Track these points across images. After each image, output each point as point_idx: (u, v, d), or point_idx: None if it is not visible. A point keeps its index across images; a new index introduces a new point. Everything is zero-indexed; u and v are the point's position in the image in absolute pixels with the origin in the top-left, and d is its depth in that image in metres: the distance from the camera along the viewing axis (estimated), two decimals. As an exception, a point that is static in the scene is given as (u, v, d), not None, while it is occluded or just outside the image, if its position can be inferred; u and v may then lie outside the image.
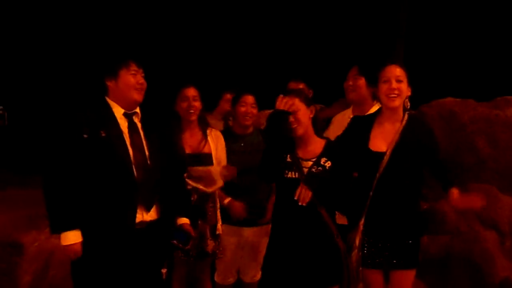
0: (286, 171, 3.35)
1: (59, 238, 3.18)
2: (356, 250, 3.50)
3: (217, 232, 4.09)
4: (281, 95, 3.29)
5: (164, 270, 3.53)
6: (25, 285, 4.68)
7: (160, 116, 3.81)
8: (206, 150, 4.08)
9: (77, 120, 3.20)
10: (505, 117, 5.42)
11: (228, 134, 4.36)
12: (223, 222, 4.16)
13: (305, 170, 3.33)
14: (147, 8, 12.64)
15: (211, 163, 4.06)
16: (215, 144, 4.14)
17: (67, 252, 3.17)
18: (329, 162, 3.34)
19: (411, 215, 3.46)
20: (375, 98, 4.00)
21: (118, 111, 3.30)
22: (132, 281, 3.25)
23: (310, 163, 3.35)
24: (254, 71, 11.97)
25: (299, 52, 12.69)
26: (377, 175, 3.40)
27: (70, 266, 3.28)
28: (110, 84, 3.32)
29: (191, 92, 4.07)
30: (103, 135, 3.16)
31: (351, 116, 4.11)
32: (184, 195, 3.71)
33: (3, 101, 12.74)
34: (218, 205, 4.12)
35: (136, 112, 3.36)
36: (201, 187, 3.99)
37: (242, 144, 4.29)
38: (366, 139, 3.49)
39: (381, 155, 3.42)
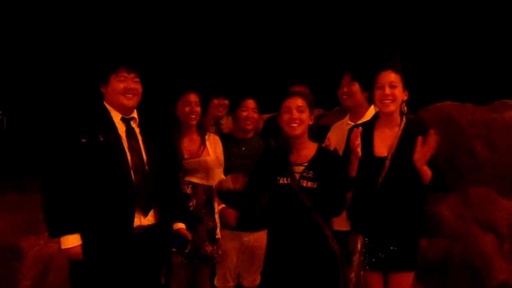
0: (278, 177, 3.37)
1: (59, 242, 3.18)
2: (357, 255, 3.53)
3: (217, 237, 4.09)
4: None
5: (162, 278, 3.52)
6: (24, 290, 4.68)
7: (159, 121, 3.82)
8: (204, 154, 4.09)
9: (75, 124, 3.22)
10: (503, 121, 5.43)
11: (229, 138, 4.38)
12: (223, 227, 4.16)
13: (297, 175, 3.36)
14: (145, 13, 12.64)
15: (208, 168, 4.07)
16: (214, 149, 4.15)
17: (68, 256, 3.18)
18: (321, 166, 3.37)
19: (412, 218, 3.48)
20: (371, 102, 4.02)
21: (116, 116, 3.32)
22: (131, 286, 3.25)
23: (302, 168, 3.38)
24: (253, 75, 11.98)
25: (299, 56, 12.70)
26: (379, 179, 3.43)
27: (69, 270, 3.28)
28: (103, 90, 3.37)
29: (194, 97, 4.08)
30: (101, 139, 3.18)
31: (349, 123, 4.13)
32: (181, 199, 3.72)
33: (1, 106, 12.73)
34: (216, 209, 4.13)
35: (133, 117, 3.38)
36: (198, 181, 4.00)
37: (243, 148, 4.30)
38: (370, 145, 3.52)
39: (382, 160, 3.45)
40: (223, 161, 4.20)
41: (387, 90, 3.45)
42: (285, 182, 3.35)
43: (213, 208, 4.10)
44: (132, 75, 3.35)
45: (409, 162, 3.40)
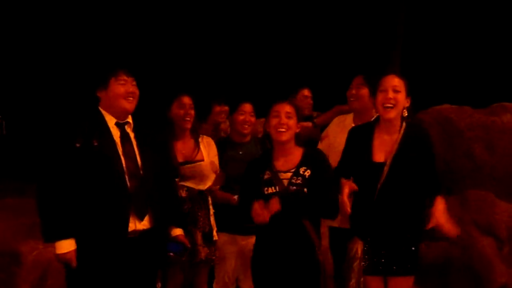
0: (266, 188, 3.35)
1: (54, 247, 3.18)
2: (358, 261, 3.53)
3: (214, 239, 4.09)
4: None
5: (159, 284, 3.51)
6: (23, 294, 4.68)
7: (153, 125, 3.82)
8: (198, 157, 4.10)
9: (69, 129, 3.22)
10: (501, 124, 5.44)
11: (226, 142, 4.38)
12: (221, 230, 4.16)
13: (285, 181, 3.35)
14: (139, 17, 12.64)
15: (204, 171, 4.08)
16: (207, 151, 4.16)
17: (62, 260, 3.17)
18: (308, 171, 3.36)
19: (412, 223, 3.48)
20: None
21: (111, 120, 3.32)
22: None
23: (289, 174, 3.37)
24: (251, 79, 11.99)
25: (297, 60, 12.71)
26: (378, 185, 3.43)
27: (65, 274, 3.28)
28: (101, 94, 3.35)
29: (188, 100, 4.09)
30: (96, 144, 3.17)
31: (351, 123, 4.13)
32: (177, 204, 3.72)
33: (1, 110, 12.73)
34: (212, 211, 4.13)
35: (128, 122, 3.38)
36: (193, 185, 4.01)
37: (241, 152, 4.30)
38: (369, 150, 3.51)
39: (381, 165, 3.44)
40: (218, 164, 4.20)
41: (390, 94, 3.42)
42: (273, 191, 3.33)
43: (208, 211, 4.10)
44: (130, 78, 3.36)
45: (408, 168, 3.41)
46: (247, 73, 12.40)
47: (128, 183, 3.22)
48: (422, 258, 3.70)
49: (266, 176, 3.38)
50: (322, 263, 3.37)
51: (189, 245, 3.60)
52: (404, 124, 3.50)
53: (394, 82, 3.46)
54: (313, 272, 3.35)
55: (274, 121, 3.37)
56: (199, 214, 4.03)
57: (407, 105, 3.50)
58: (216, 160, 4.20)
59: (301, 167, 3.38)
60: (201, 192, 4.07)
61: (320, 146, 4.32)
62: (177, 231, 3.57)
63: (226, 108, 4.87)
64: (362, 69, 4.51)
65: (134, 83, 3.38)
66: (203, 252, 4.00)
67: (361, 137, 3.57)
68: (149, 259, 3.36)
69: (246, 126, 4.28)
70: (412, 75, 3.65)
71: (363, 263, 3.53)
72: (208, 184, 4.10)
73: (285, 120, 3.36)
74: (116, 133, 3.30)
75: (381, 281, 3.54)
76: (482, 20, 12.08)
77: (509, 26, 11.61)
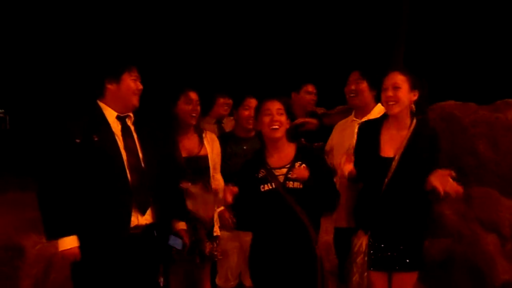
0: (261, 186, 3.35)
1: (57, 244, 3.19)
2: (362, 255, 3.54)
3: (215, 234, 4.09)
4: None
5: (161, 279, 3.51)
6: (26, 288, 4.69)
7: (155, 118, 3.82)
8: (202, 153, 4.09)
9: (69, 125, 3.21)
10: (506, 120, 5.41)
11: (230, 137, 4.37)
12: (222, 227, 4.16)
13: (281, 178, 3.36)
14: (143, 12, 12.63)
15: (207, 166, 4.07)
16: (211, 147, 4.15)
17: (66, 257, 3.18)
18: (303, 165, 3.37)
19: (417, 219, 3.49)
20: (379, 100, 4.02)
21: (111, 115, 3.30)
22: (130, 285, 3.25)
23: (284, 170, 3.37)
24: (255, 74, 11.98)
25: (301, 55, 12.69)
26: (386, 180, 3.44)
27: (70, 270, 3.29)
28: (110, 86, 3.31)
29: (195, 95, 4.08)
30: (96, 139, 3.16)
31: (354, 119, 4.13)
32: (180, 197, 3.71)
33: (4, 105, 12.75)
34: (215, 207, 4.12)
35: (129, 115, 3.36)
36: (200, 213, 3.98)
37: (245, 147, 4.30)
38: (378, 145, 3.52)
39: (389, 160, 3.46)
40: (220, 160, 4.19)
41: (390, 92, 3.45)
42: (270, 187, 3.34)
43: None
44: (139, 75, 3.37)
45: (416, 165, 3.42)
46: (252, 69, 12.39)
47: (130, 177, 3.21)
48: (425, 255, 3.69)
49: (261, 174, 3.38)
50: (319, 258, 3.38)
51: (187, 241, 3.61)
52: (414, 120, 3.51)
53: (394, 79, 3.48)
54: (311, 267, 3.36)
55: (266, 119, 3.39)
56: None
57: (414, 98, 3.50)
58: (218, 157, 4.20)
59: (296, 161, 3.39)
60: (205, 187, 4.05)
61: (328, 147, 4.33)
62: (180, 225, 3.58)
63: (230, 101, 4.87)
64: (365, 65, 4.49)
65: (140, 79, 3.39)
66: (207, 247, 4.00)
67: (370, 132, 3.59)
68: (151, 254, 3.36)
69: (251, 121, 4.26)
70: (416, 71, 3.64)
71: (367, 258, 3.54)
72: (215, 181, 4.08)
73: (278, 117, 3.38)
74: (117, 127, 3.29)
75: (384, 276, 3.55)
76: (487, 16, 12.04)
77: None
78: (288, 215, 3.31)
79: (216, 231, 4.09)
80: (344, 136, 4.13)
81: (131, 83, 3.31)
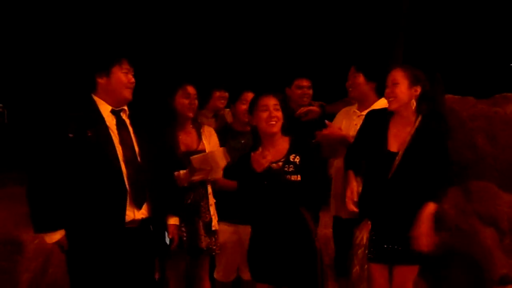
0: (260, 180, 3.37)
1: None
2: (363, 248, 3.56)
3: (213, 229, 4.09)
4: None
5: (157, 274, 3.51)
6: (24, 283, 4.69)
7: (150, 112, 3.81)
8: (200, 147, 4.08)
9: (62, 119, 3.18)
10: (504, 114, 5.43)
11: (227, 131, 4.37)
12: (222, 220, 4.16)
13: (278, 171, 3.38)
14: (139, 6, 12.59)
15: None
16: (208, 141, 4.14)
17: (55, 247, 3.21)
18: (298, 157, 3.41)
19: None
20: (381, 93, 4.03)
21: (105, 109, 3.27)
22: (126, 280, 3.24)
23: (280, 163, 3.41)
24: (252, 68, 11.96)
25: (299, 49, 12.67)
26: (389, 174, 3.46)
27: (66, 264, 3.29)
28: (101, 80, 3.28)
29: (192, 89, 4.06)
30: (89, 134, 3.13)
31: (355, 111, 4.14)
32: (175, 192, 3.70)
33: (2, 99, 12.73)
34: (212, 201, 4.12)
35: (123, 109, 3.34)
36: (208, 177, 3.95)
37: (242, 141, 4.30)
38: (384, 138, 3.54)
39: (393, 155, 3.48)
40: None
41: (388, 89, 3.49)
42: (268, 181, 3.36)
43: (209, 201, 4.09)
44: (131, 68, 3.34)
45: (420, 161, 3.44)
46: (249, 63, 12.36)
47: (125, 172, 3.19)
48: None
49: (256, 169, 3.38)
50: (319, 251, 3.41)
51: (176, 237, 3.62)
52: (420, 117, 3.52)
53: (393, 75, 3.50)
54: (311, 260, 3.38)
55: (263, 115, 3.42)
56: (202, 204, 4.03)
57: (415, 94, 3.50)
58: None
59: (291, 154, 3.43)
60: (203, 181, 4.04)
61: None
62: (171, 220, 3.58)
63: (226, 94, 4.86)
64: (367, 57, 4.49)
65: (133, 73, 3.37)
66: (204, 241, 4.00)
67: (377, 123, 3.61)
68: (147, 249, 3.35)
69: (248, 114, 4.27)
70: (414, 65, 3.64)
71: (368, 251, 3.56)
72: (220, 172, 4.07)
73: (275, 113, 3.41)
74: (111, 121, 3.26)
75: (385, 269, 3.57)
76: (486, 11, 12.03)
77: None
78: (287, 208, 3.33)
79: (215, 225, 4.09)
80: (344, 126, 4.14)
81: (121, 76, 3.27)
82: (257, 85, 4.36)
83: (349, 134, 3.94)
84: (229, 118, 4.85)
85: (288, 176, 3.36)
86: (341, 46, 12.14)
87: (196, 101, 4.06)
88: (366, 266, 3.61)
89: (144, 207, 3.28)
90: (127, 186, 3.18)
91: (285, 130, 3.53)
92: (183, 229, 3.85)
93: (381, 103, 3.96)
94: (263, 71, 11.51)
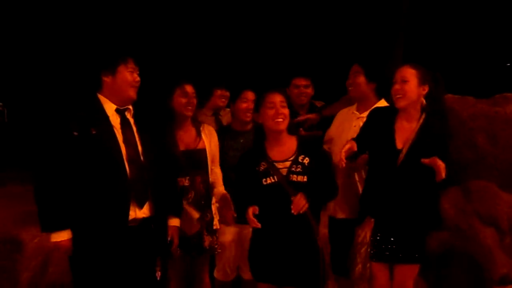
0: (264, 179, 3.36)
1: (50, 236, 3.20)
2: (366, 246, 3.58)
3: (214, 227, 4.09)
4: None
5: (158, 273, 3.51)
6: (24, 281, 4.69)
7: (154, 112, 3.81)
8: (200, 146, 4.08)
9: (66, 118, 3.20)
10: (504, 114, 5.41)
11: (227, 131, 4.37)
12: (224, 222, 4.16)
13: (283, 171, 3.36)
14: (141, 6, 12.59)
15: (205, 158, 4.07)
16: (209, 140, 4.14)
17: (57, 248, 3.19)
18: (307, 158, 3.39)
19: (422, 211, 3.52)
20: (381, 94, 4.04)
21: (110, 108, 3.29)
22: (128, 278, 3.25)
23: (288, 163, 3.38)
24: (253, 67, 11.95)
25: (298, 48, 12.67)
26: (393, 171, 3.49)
27: (69, 262, 3.30)
28: (106, 79, 3.30)
29: (190, 88, 4.06)
30: (94, 132, 3.16)
31: (354, 112, 4.14)
32: (176, 192, 3.71)
33: (2, 97, 12.72)
34: (214, 200, 4.12)
35: (128, 108, 3.36)
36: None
37: (242, 141, 4.30)
38: (390, 135, 3.56)
39: (397, 151, 3.50)
40: (218, 153, 4.18)
41: (397, 85, 3.50)
42: (272, 181, 3.35)
43: (210, 199, 4.09)
44: (137, 67, 3.36)
45: (424, 157, 3.43)
46: (250, 62, 12.36)
47: (128, 170, 3.21)
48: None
49: (262, 168, 3.39)
50: (321, 250, 3.41)
51: (176, 239, 3.61)
52: (424, 115, 3.54)
53: (403, 72, 3.52)
54: (313, 260, 3.38)
55: (270, 112, 3.40)
56: (203, 202, 4.03)
57: (423, 93, 3.52)
58: (217, 149, 4.19)
59: (300, 155, 3.41)
60: (204, 180, 4.05)
61: (326, 137, 4.34)
62: (172, 222, 3.58)
63: (227, 93, 4.86)
64: (358, 58, 4.49)
65: (138, 72, 3.38)
66: (207, 240, 4.00)
67: (383, 120, 3.62)
68: (149, 247, 3.36)
69: (249, 114, 4.27)
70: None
71: (370, 249, 3.57)
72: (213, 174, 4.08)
73: (282, 110, 3.39)
74: (116, 120, 3.28)
75: (387, 267, 3.59)
76: (486, 11, 12.03)
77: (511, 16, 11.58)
78: (291, 208, 3.30)
79: (216, 224, 4.09)
80: (343, 128, 4.14)
81: (127, 75, 3.30)
82: (257, 84, 4.36)
83: (350, 136, 3.92)
84: (225, 118, 4.85)
85: (294, 177, 3.34)
86: (341, 45, 12.13)
87: (195, 100, 4.06)
88: (368, 265, 3.62)
89: (146, 206, 3.29)
90: (129, 184, 3.19)
91: (291, 128, 3.52)
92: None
93: (381, 105, 3.97)
94: (264, 71, 11.51)
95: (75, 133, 3.13)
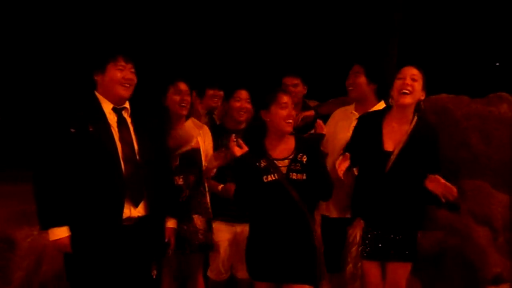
0: (265, 176, 3.37)
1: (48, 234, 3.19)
2: (356, 246, 3.58)
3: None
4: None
5: (154, 272, 3.50)
6: (17, 280, 4.68)
7: (151, 111, 3.81)
8: (195, 145, 4.07)
9: (64, 115, 3.22)
10: (498, 114, 5.43)
11: (220, 130, 4.36)
12: (215, 218, 4.16)
13: (283, 169, 3.38)
14: (140, 3, 12.58)
15: (200, 158, 4.07)
16: (203, 139, 4.14)
17: (56, 247, 3.19)
18: (305, 156, 3.41)
19: (412, 211, 3.54)
20: (381, 96, 4.05)
21: (107, 106, 3.30)
22: (122, 277, 3.25)
23: (287, 161, 3.41)
24: (247, 67, 11.96)
25: (292, 48, 12.68)
26: (383, 172, 3.49)
27: (63, 261, 3.29)
28: (98, 78, 3.33)
29: (184, 86, 4.06)
30: (91, 129, 3.17)
31: (353, 113, 4.14)
32: (173, 192, 3.70)
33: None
34: (208, 199, 4.12)
35: (125, 108, 3.37)
36: (184, 148, 3.97)
37: (235, 140, 4.28)
38: (378, 137, 3.56)
39: (388, 153, 3.50)
40: (212, 152, 4.18)
41: (408, 80, 3.49)
42: (273, 178, 3.37)
43: (205, 197, 4.08)
44: (129, 65, 3.35)
45: (414, 160, 3.48)
46: (243, 61, 12.36)
47: (124, 168, 3.21)
48: (418, 247, 3.73)
49: (262, 165, 3.40)
50: (318, 249, 3.43)
51: (173, 241, 3.61)
52: (416, 118, 3.55)
53: (413, 71, 3.53)
54: (311, 258, 3.40)
55: (283, 112, 3.41)
56: (198, 200, 4.02)
57: (423, 98, 3.55)
58: (211, 148, 4.18)
59: (298, 153, 3.42)
60: (198, 179, 4.04)
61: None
62: (170, 223, 3.57)
63: (220, 93, 4.85)
64: (359, 59, 4.49)
65: (133, 70, 3.37)
66: (203, 238, 4.00)
67: (370, 124, 3.63)
68: (144, 246, 3.35)
69: (242, 113, 4.26)
70: (409, 64, 3.66)
71: (361, 248, 3.58)
72: (193, 140, 4.05)
73: (293, 112, 3.44)
74: (113, 118, 3.29)
75: (378, 266, 3.59)
76: (480, 10, 12.06)
77: (507, 16, 11.60)
78: (290, 206, 3.34)
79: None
80: (341, 127, 4.14)
81: (116, 73, 3.29)
82: (250, 83, 4.37)
83: (347, 136, 3.92)
84: (219, 117, 4.84)
85: (293, 175, 3.36)
86: (334, 45, 12.15)
87: (189, 98, 4.06)
88: (359, 264, 3.63)
89: (141, 205, 3.29)
90: (125, 183, 3.19)
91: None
92: (183, 227, 3.85)
93: (380, 107, 3.97)
94: (256, 70, 11.51)
95: (73, 130, 3.14)
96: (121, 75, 3.30)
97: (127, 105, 3.38)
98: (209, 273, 4.36)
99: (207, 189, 4.12)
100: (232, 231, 4.26)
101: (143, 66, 3.72)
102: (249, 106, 4.29)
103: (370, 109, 4.03)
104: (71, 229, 3.17)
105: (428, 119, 4.14)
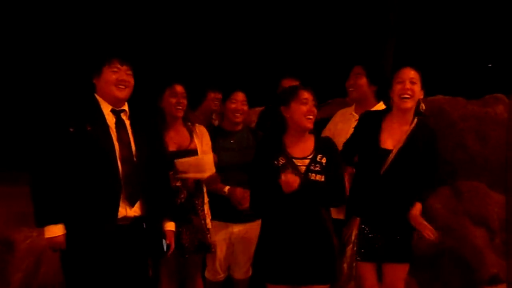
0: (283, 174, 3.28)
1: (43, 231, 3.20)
2: (351, 245, 3.57)
3: (208, 227, 4.10)
4: None
5: (149, 272, 3.50)
6: (16, 282, 4.69)
7: (149, 113, 3.82)
8: (192, 146, 4.08)
9: (63, 114, 3.24)
10: (494, 115, 5.45)
11: (217, 131, 4.37)
12: (214, 218, 4.17)
13: (302, 168, 3.31)
14: (138, 5, 12.57)
15: None
16: (200, 140, 4.15)
17: (51, 245, 3.20)
18: (324, 158, 3.36)
19: (409, 210, 3.52)
20: (380, 97, 4.06)
21: (106, 107, 3.33)
22: (118, 277, 3.25)
23: (306, 161, 3.34)
24: (244, 69, 11.96)
25: (290, 50, 12.68)
26: (381, 172, 3.50)
27: (60, 260, 3.30)
28: (95, 81, 3.37)
29: (180, 88, 4.07)
30: (89, 129, 3.19)
31: (353, 114, 4.16)
32: (169, 193, 3.70)
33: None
34: (206, 200, 4.13)
35: (124, 110, 3.39)
36: (192, 175, 3.96)
37: (232, 141, 4.30)
38: (377, 136, 3.56)
39: (386, 152, 3.51)
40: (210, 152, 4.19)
41: (407, 85, 3.48)
42: None
43: (203, 199, 4.09)
44: (125, 67, 3.36)
45: (413, 160, 3.50)
46: (240, 63, 12.36)
47: (120, 169, 3.23)
48: (414, 248, 3.73)
49: (280, 162, 3.31)
50: (337, 247, 3.42)
51: (172, 243, 3.58)
52: (416, 119, 3.57)
53: (411, 74, 3.53)
54: (330, 258, 3.37)
55: (304, 108, 3.32)
56: (197, 202, 4.03)
57: (422, 97, 3.57)
58: (209, 149, 4.19)
59: (318, 154, 3.36)
60: (195, 181, 4.04)
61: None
62: (168, 226, 3.57)
63: (220, 95, 4.87)
64: (355, 60, 4.50)
65: (129, 72, 3.38)
66: (202, 239, 4.00)
67: (370, 122, 3.64)
68: (140, 246, 3.36)
69: (238, 114, 4.27)
70: (405, 66, 3.67)
71: (356, 249, 3.57)
72: (207, 174, 4.04)
73: (314, 108, 3.36)
74: (111, 120, 3.31)
75: (373, 267, 3.59)
76: (476, 11, 12.08)
77: (503, 17, 11.62)
78: (307, 206, 3.28)
79: (208, 223, 4.10)
80: (340, 129, 4.16)
81: (111, 75, 3.31)
82: (247, 85, 4.38)
83: (346, 137, 3.93)
84: (217, 119, 4.85)
85: (313, 175, 3.30)
86: (332, 46, 12.16)
87: (185, 100, 4.06)
88: (354, 264, 3.62)
89: (137, 205, 3.29)
90: (121, 182, 3.21)
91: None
92: (181, 230, 3.85)
93: (380, 108, 3.99)
94: (255, 72, 11.52)
95: (71, 129, 3.16)
96: (115, 76, 3.32)
97: (126, 107, 3.40)
98: (206, 274, 4.37)
99: (204, 190, 4.13)
100: (229, 231, 4.27)
101: (141, 69, 3.74)
102: (245, 108, 4.31)
103: (369, 108, 4.05)
104: (67, 227, 3.18)
105: (428, 121, 4.15)
